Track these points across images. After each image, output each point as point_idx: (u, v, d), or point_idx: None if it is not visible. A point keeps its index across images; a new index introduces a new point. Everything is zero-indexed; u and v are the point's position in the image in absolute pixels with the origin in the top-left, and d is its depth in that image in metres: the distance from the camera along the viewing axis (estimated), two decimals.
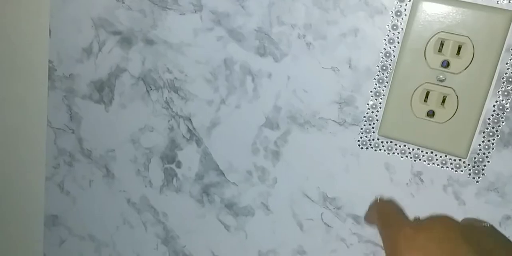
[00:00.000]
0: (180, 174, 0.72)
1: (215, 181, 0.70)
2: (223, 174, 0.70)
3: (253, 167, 0.68)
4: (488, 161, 0.57)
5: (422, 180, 0.60)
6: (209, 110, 0.68)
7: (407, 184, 0.61)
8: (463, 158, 0.58)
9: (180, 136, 0.71)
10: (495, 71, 0.55)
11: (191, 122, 0.70)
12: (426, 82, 0.57)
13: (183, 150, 0.71)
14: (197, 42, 0.67)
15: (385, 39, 0.58)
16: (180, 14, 0.67)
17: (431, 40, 0.56)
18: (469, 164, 0.58)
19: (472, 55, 0.55)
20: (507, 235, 0.57)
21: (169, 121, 0.71)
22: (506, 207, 0.57)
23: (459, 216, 0.59)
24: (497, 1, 0.53)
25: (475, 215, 0.58)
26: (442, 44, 0.56)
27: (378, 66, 0.59)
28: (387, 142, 0.60)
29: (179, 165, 0.72)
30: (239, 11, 0.64)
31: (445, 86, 0.56)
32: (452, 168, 0.58)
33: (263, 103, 0.65)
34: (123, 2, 0.69)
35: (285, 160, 0.66)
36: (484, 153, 0.57)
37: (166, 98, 0.70)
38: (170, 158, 0.72)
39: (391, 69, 0.58)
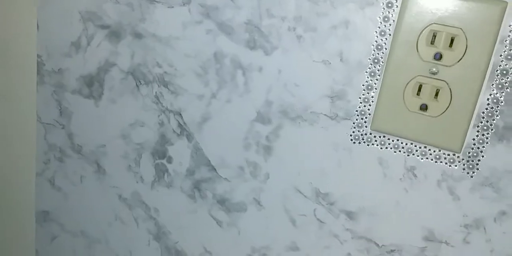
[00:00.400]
0: (171, 170, 0.71)
1: (206, 176, 0.69)
2: (215, 169, 0.69)
3: (245, 163, 0.67)
4: (483, 156, 0.56)
5: (415, 175, 0.59)
6: (199, 105, 0.67)
7: (400, 179, 0.59)
8: (457, 152, 0.56)
9: (171, 131, 0.70)
10: (489, 63, 0.53)
11: (182, 117, 0.69)
12: (419, 75, 0.56)
13: (174, 145, 0.70)
14: (186, 36, 0.66)
15: (376, 31, 0.57)
16: (169, 7, 0.65)
17: (423, 32, 0.54)
18: (463, 159, 0.56)
19: (465, 47, 0.53)
20: (501, 231, 0.56)
21: (159, 116, 0.70)
22: (501, 202, 0.56)
23: (453, 212, 0.58)
24: None
25: (470, 211, 0.57)
26: (434, 36, 0.54)
27: (369, 59, 0.58)
28: (380, 137, 0.59)
29: (170, 160, 0.71)
30: (228, 4, 0.62)
31: (438, 79, 0.55)
32: (446, 163, 0.57)
33: (254, 97, 0.64)
34: None
35: (277, 155, 0.65)
36: (478, 148, 0.56)
37: (156, 92, 0.69)
38: (161, 153, 0.71)
39: (383, 62, 0.57)
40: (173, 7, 0.65)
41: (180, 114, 0.68)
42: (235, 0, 0.62)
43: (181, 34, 0.66)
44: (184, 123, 0.69)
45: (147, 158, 0.72)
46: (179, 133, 0.69)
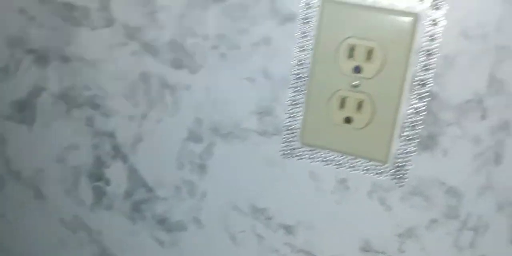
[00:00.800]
0: (110, 192, 0.71)
1: (144, 197, 0.69)
2: (152, 190, 0.68)
3: (181, 182, 0.66)
4: (410, 165, 0.56)
5: (347, 187, 0.59)
6: (131, 126, 0.66)
7: (332, 191, 0.60)
8: (384, 163, 0.57)
9: (106, 153, 0.69)
10: (407, 74, 0.54)
11: (115, 139, 0.68)
12: (341, 89, 0.56)
13: (110, 168, 0.69)
14: (112, 57, 0.65)
15: (297, 47, 0.57)
16: (92, 29, 0.64)
17: (341, 46, 0.54)
18: (391, 169, 0.57)
19: (383, 59, 0.54)
20: (434, 239, 0.57)
21: (92, 138, 0.69)
22: (431, 210, 0.56)
23: (386, 222, 0.58)
24: (402, 4, 0.52)
25: (402, 220, 0.58)
26: (353, 50, 0.54)
27: (293, 74, 0.58)
28: (309, 151, 0.59)
29: (107, 182, 0.70)
30: (151, 24, 0.62)
31: (360, 92, 0.55)
32: (375, 174, 0.58)
33: (184, 116, 0.64)
34: (35, 20, 0.67)
35: (212, 173, 0.64)
36: (405, 158, 0.56)
37: (87, 115, 0.68)
38: (97, 176, 0.71)
39: (306, 77, 0.57)
40: (96, 29, 0.64)
41: (113, 136, 0.68)
42: (157, 20, 0.61)
43: (107, 56, 0.65)
44: (118, 145, 0.68)
45: (85, 181, 0.71)
46: (114, 155, 0.69)
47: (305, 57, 0.56)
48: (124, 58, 0.64)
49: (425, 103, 0.54)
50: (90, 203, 0.72)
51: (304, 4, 0.55)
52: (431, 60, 0.53)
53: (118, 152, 0.68)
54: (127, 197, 0.70)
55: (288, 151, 0.60)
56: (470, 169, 0.54)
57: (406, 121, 0.55)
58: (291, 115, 0.59)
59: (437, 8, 0.51)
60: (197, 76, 0.62)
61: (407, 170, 0.56)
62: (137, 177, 0.68)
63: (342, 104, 0.56)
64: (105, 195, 0.71)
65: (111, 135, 0.68)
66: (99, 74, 0.66)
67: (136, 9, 0.62)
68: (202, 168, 0.64)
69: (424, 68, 0.53)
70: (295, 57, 0.57)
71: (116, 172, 0.69)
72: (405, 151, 0.56)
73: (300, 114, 0.58)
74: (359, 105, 0.56)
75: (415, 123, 0.55)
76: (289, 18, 0.56)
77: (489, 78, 0.52)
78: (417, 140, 0.55)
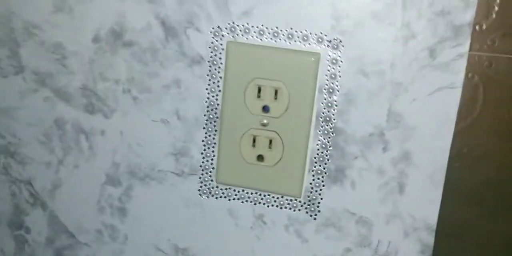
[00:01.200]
0: (31, 240, 0.69)
1: (66, 243, 0.68)
2: (74, 235, 0.67)
3: (102, 226, 0.66)
4: (321, 198, 0.58)
5: (264, 222, 0.60)
6: (48, 173, 0.66)
7: (251, 227, 0.61)
8: (298, 197, 0.59)
9: (24, 201, 0.68)
10: (313, 111, 0.56)
11: (32, 186, 0.67)
12: (251, 128, 0.58)
13: (30, 215, 0.68)
14: (24, 105, 0.64)
15: (207, 89, 0.58)
16: (3, 77, 0.64)
17: (248, 87, 0.56)
18: (304, 203, 0.59)
19: (288, 98, 0.56)
20: None
21: (10, 186, 0.68)
22: (345, 240, 0.58)
23: (303, 253, 0.60)
24: (304, 44, 0.55)
25: (318, 251, 0.59)
26: (260, 90, 0.56)
27: (205, 115, 0.59)
28: (226, 189, 0.61)
29: (28, 230, 0.69)
30: (61, 70, 0.62)
31: (269, 130, 0.57)
32: (290, 208, 0.59)
33: (101, 160, 0.64)
34: None
35: (132, 216, 0.65)
36: (316, 191, 0.58)
37: (3, 163, 0.67)
38: (17, 224, 0.69)
39: (217, 118, 0.59)
40: (7, 76, 0.64)
41: (31, 183, 0.67)
42: (67, 65, 0.62)
43: (19, 104, 0.65)
44: (36, 192, 0.67)
45: (5, 230, 0.70)
46: (32, 203, 0.68)
47: (215, 98, 0.58)
48: (36, 104, 0.64)
49: (331, 138, 0.56)
50: (12, 253, 0.71)
51: (210, 46, 0.57)
52: (333, 98, 0.55)
53: (36, 199, 0.67)
54: (48, 244, 0.69)
55: (205, 191, 0.61)
56: (377, 199, 0.56)
57: (315, 156, 0.57)
58: (206, 155, 0.60)
59: (335, 48, 0.54)
60: (111, 120, 0.62)
61: (319, 203, 0.58)
62: (58, 223, 0.67)
63: (254, 143, 0.58)
64: (27, 243, 0.70)
65: (28, 182, 0.67)
66: (12, 121, 0.65)
67: (46, 56, 0.62)
68: (122, 211, 0.65)
69: (328, 105, 0.56)
70: (206, 98, 0.58)
71: (36, 220, 0.68)
72: (316, 185, 0.58)
73: (214, 153, 0.60)
74: (270, 143, 0.57)
75: (322, 158, 0.57)
76: (196, 60, 0.58)
77: (388, 112, 0.55)
78: (326, 174, 0.57)
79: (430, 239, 0.56)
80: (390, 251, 0.57)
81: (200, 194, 0.61)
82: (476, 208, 0.55)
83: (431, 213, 0.56)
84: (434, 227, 0.56)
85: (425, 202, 0.56)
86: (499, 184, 0.54)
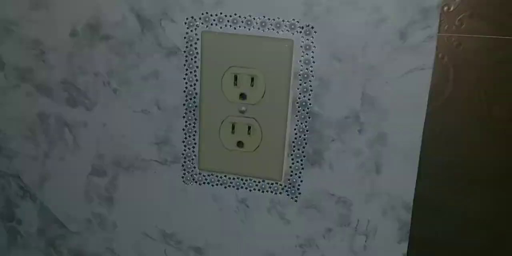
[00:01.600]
0: (23, 231, 0.71)
1: (58, 233, 0.70)
2: (64, 225, 0.69)
3: (91, 215, 0.68)
4: (301, 181, 0.60)
5: (248, 206, 0.62)
6: (35, 166, 0.67)
7: (235, 211, 0.63)
8: (278, 181, 0.60)
9: (13, 194, 0.69)
10: (289, 97, 0.57)
11: (21, 179, 0.68)
12: (230, 115, 0.59)
13: (20, 207, 0.70)
14: (7, 100, 0.65)
15: (184, 78, 0.59)
16: None
17: (224, 76, 0.58)
18: (285, 186, 0.60)
19: (264, 85, 0.57)
20: (331, 246, 0.61)
21: None
22: (326, 220, 0.60)
23: (287, 234, 0.62)
24: (277, 32, 0.56)
25: (301, 232, 0.61)
26: (236, 78, 0.58)
27: (184, 104, 0.60)
28: (208, 176, 0.62)
29: (19, 222, 0.71)
30: (41, 65, 0.63)
31: (247, 117, 0.59)
32: (272, 191, 0.61)
33: (86, 152, 0.65)
34: None
35: (119, 204, 0.66)
36: (296, 174, 0.60)
37: None
38: (9, 216, 0.71)
39: (196, 107, 0.60)
40: None
41: (19, 177, 0.68)
42: (46, 60, 0.63)
43: (2, 100, 0.66)
44: (25, 185, 0.69)
45: None
46: (22, 195, 0.69)
47: (193, 87, 0.59)
48: (19, 100, 0.65)
49: (308, 122, 0.58)
50: (6, 244, 0.72)
51: (185, 37, 0.58)
52: (308, 83, 0.57)
53: (26, 192, 0.69)
54: (40, 235, 0.70)
55: (189, 177, 0.63)
56: (355, 180, 0.58)
57: (293, 140, 0.59)
58: (187, 143, 0.61)
59: (307, 34, 0.55)
60: (93, 113, 0.63)
61: (299, 185, 0.60)
62: (48, 214, 0.69)
63: (233, 129, 0.59)
64: (19, 235, 0.71)
65: (16, 176, 0.68)
66: None
67: (25, 52, 0.63)
68: (109, 200, 0.66)
69: (303, 90, 0.57)
70: (184, 88, 0.60)
71: (26, 212, 0.70)
72: (296, 168, 0.59)
73: (195, 141, 0.61)
74: (249, 129, 0.59)
75: (301, 142, 0.58)
76: (173, 51, 0.59)
77: (362, 95, 0.56)
78: (305, 157, 0.59)
79: (407, 216, 0.58)
80: (369, 229, 0.59)
81: (184, 181, 0.63)
82: (450, 185, 0.57)
83: (408, 191, 0.57)
84: (411, 204, 0.58)
85: (401, 181, 0.57)
86: (471, 161, 0.56)
